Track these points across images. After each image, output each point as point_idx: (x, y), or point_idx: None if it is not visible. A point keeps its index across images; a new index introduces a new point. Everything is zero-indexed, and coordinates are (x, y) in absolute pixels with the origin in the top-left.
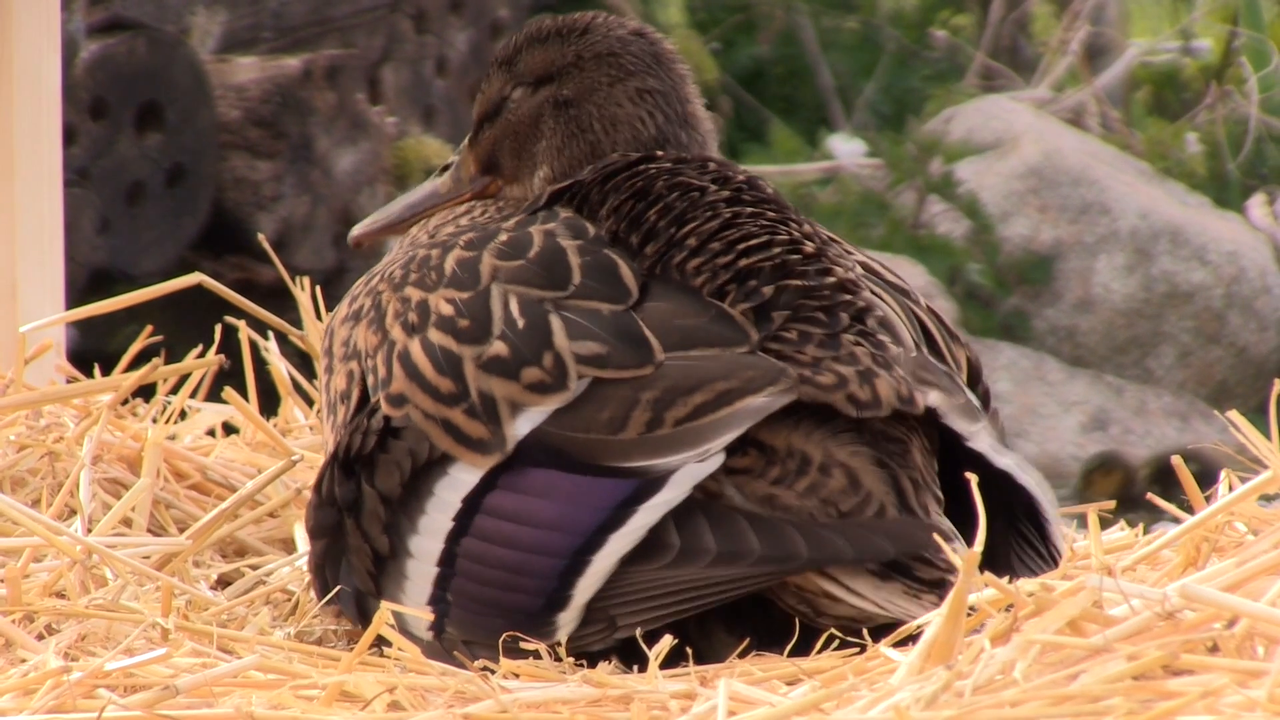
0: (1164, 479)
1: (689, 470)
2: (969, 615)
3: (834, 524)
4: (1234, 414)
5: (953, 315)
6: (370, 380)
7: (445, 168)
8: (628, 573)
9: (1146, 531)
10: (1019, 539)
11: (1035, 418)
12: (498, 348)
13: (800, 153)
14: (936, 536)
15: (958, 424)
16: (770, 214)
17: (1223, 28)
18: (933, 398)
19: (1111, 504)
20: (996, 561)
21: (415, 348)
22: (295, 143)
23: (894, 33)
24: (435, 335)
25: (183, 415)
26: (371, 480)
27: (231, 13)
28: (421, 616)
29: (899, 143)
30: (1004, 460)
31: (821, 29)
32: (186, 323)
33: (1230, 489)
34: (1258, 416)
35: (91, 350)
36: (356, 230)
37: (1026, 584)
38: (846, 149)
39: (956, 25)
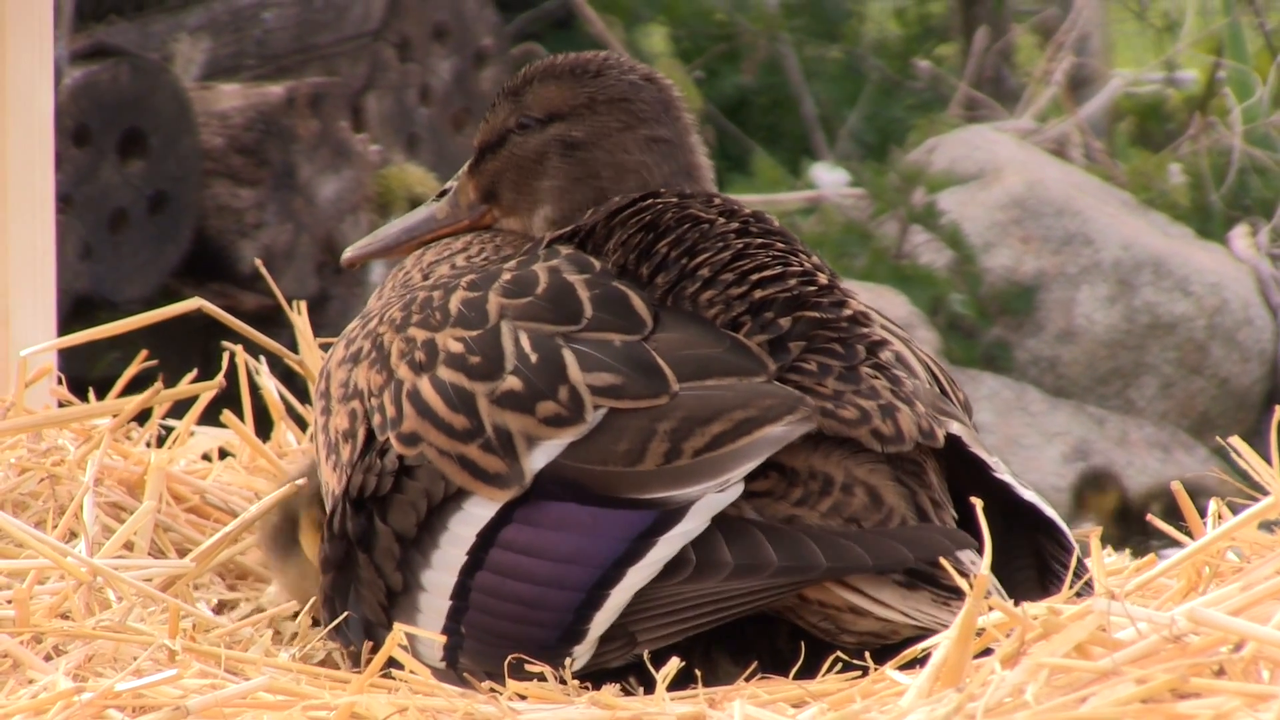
0: (1165, 510)
1: (708, 501)
2: (975, 639)
3: (851, 533)
4: (1235, 440)
5: (935, 345)
6: (377, 420)
7: (443, 193)
8: (646, 589)
9: (1138, 557)
10: (1047, 570)
11: (1017, 448)
12: (511, 382)
13: (783, 182)
14: (950, 546)
15: (982, 454)
16: (779, 245)
17: (1207, 59)
18: (955, 428)
19: (1099, 530)
20: (1017, 589)
21: (425, 385)
22: (278, 170)
23: (877, 63)
24: (445, 373)
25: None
26: (385, 517)
27: (215, 40)
28: (434, 639)
29: (882, 172)
30: (1028, 493)
31: (805, 58)
32: (168, 348)
33: (1220, 517)
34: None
35: (73, 376)
36: (350, 252)
37: (1033, 607)
38: (829, 178)
39: (940, 55)
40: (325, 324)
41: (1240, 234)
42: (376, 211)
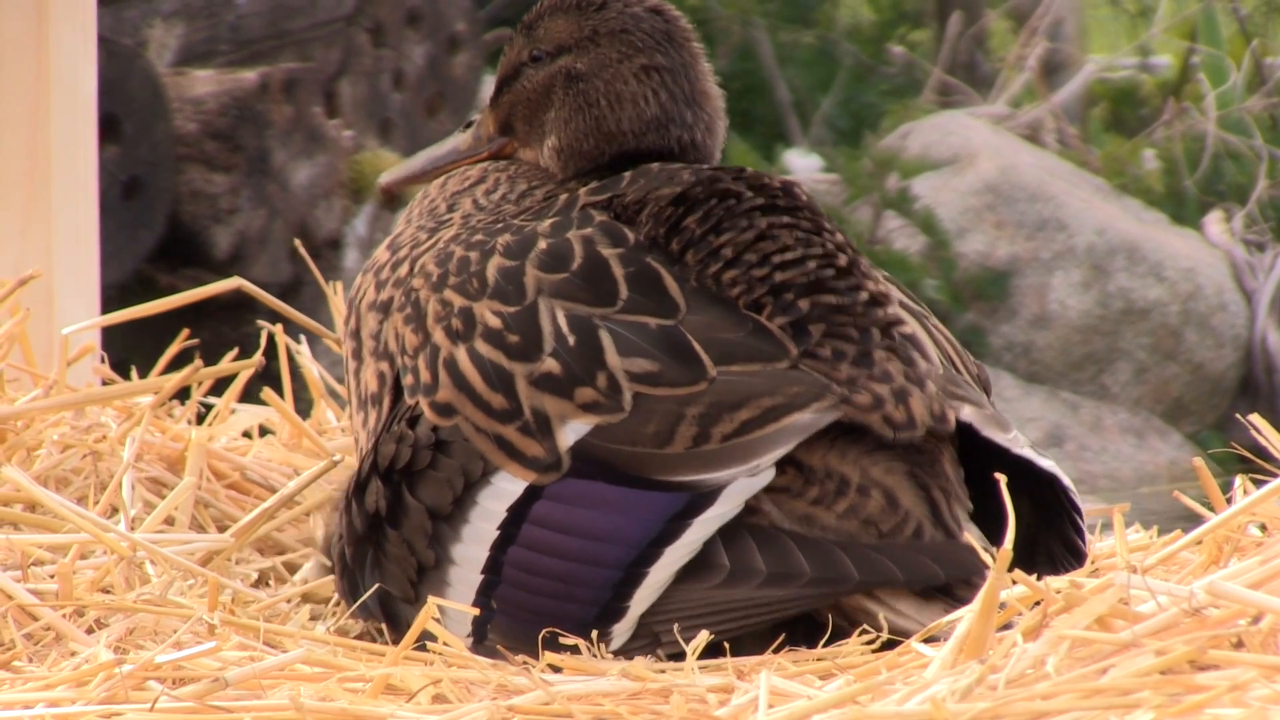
0: None
1: (741, 485)
2: (998, 612)
3: (881, 545)
4: (1255, 417)
5: None
6: (408, 380)
7: (468, 125)
8: (678, 591)
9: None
10: (1054, 536)
11: None
12: (550, 365)
13: (756, 167)
14: (978, 560)
15: (995, 435)
16: (805, 223)
17: (1181, 44)
18: (966, 412)
19: (1127, 506)
20: (1032, 554)
21: (462, 356)
22: (252, 155)
23: (851, 48)
24: (484, 348)
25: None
26: (415, 492)
27: (189, 25)
28: (464, 610)
29: (855, 158)
30: (1046, 463)
31: (779, 44)
32: (143, 335)
33: (1245, 492)
34: (1214, 434)
35: None
36: (385, 178)
37: (1056, 581)
38: (803, 164)
39: (914, 41)
40: (299, 310)
41: (1214, 220)
42: (350, 197)
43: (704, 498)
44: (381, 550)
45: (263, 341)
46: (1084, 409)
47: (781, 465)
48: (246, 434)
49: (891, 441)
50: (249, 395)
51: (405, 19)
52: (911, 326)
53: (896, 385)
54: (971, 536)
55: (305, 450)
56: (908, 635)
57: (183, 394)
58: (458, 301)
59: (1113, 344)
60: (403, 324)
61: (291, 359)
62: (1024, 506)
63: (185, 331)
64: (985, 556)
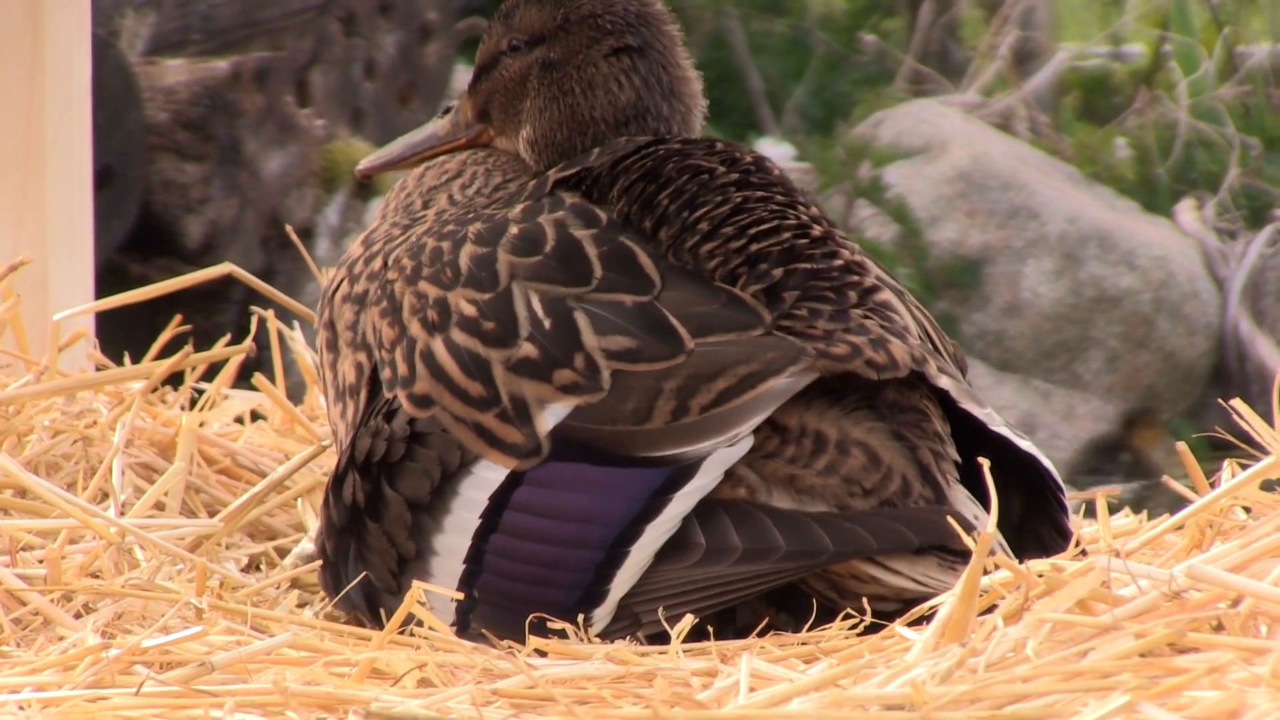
0: None
1: (720, 455)
2: (981, 595)
3: (857, 515)
4: (1237, 402)
5: None
6: (385, 374)
7: (447, 110)
8: (656, 571)
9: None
10: (1041, 518)
11: None
12: (526, 349)
13: None
14: (956, 525)
15: (973, 409)
16: (779, 197)
17: (1153, 32)
18: (944, 382)
19: (1116, 490)
20: (1020, 537)
21: (439, 347)
22: (223, 145)
23: (823, 37)
24: (460, 336)
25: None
26: (394, 484)
27: (160, 15)
28: (448, 595)
29: (828, 146)
30: (1025, 444)
31: (751, 32)
32: (114, 325)
33: (1233, 477)
34: (1186, 422)
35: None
36: (364, 165)
37: (1037, 565)
38: (775, 153)
39: (886, 29)
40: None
41: (1186, 208)
42: (322, 186)
43: (684, 471)
44: (363, 542)
45: (253, 327)
46: (1056, 397)
47: (759, 427)
48: (238, 419)
49: (875, 381)
50: (240, 381)
51: (377, 8)
52: (888, 295)
53: (874, 335)
54: (959, 496)
55: (297, 436)
56: (902, 593)
57: (175, 380)
58: (432, 292)
59: (1085, 332)
60: (379, 317)
61: (283, 344)
62: (1010, 489)
63: (178, 317)
64: (957, 526)
